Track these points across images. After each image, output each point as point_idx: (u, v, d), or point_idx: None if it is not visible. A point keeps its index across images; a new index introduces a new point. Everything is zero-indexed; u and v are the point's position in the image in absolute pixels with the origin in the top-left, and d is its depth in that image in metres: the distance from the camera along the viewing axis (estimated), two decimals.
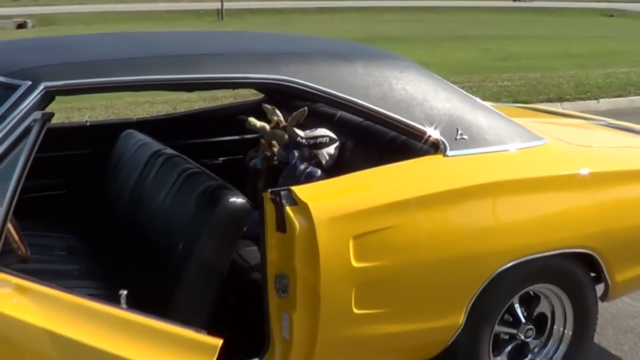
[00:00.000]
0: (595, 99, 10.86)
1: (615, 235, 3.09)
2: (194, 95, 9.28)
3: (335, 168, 3.28)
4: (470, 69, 13.55)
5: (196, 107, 7.34)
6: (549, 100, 10.51)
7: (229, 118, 4.13)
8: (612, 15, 69.17)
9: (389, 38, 19.66)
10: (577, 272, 3.12)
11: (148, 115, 6.72)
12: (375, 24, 25.80)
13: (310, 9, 32.57)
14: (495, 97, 10.26)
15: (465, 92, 3.22)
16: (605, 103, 10.82)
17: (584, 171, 3.06)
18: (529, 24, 28.73)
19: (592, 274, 3.19)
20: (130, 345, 1.92)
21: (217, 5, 29.58)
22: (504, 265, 2.81)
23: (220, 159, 4.14)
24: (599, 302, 3.30)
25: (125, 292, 2.20)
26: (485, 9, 34.64)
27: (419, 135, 2.84)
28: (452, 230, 2.75)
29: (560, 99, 10.68)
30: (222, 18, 29.20)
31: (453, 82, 10.95)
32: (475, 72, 13.09)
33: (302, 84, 2.68)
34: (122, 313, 2.05)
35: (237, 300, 2.91)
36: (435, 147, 2.83)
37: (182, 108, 8.48)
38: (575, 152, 3.25)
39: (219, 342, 1.98)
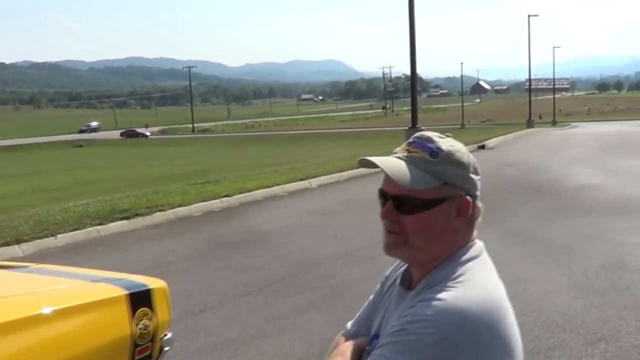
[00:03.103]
0: (53, 236, 10.88)
1: None
2: None
3: None
4: None
5: None
6: (7, 244, 10.24)
7: None
8: (81, 146, 71.92)
9: None
10: None
11: None
12: None
13: None
14: None
15: None
16: (63, 238, 10.92)
17: None
18: None
19: None
20: None
21: None
22: None
23: None
24: None
25: None
26: None
27: None
28: None
29: (18, 241, 10.44)
30: None
31: None
32: None
33: None
34: None
35: None
36: None
37: None
38: None
39: None
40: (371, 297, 1.98)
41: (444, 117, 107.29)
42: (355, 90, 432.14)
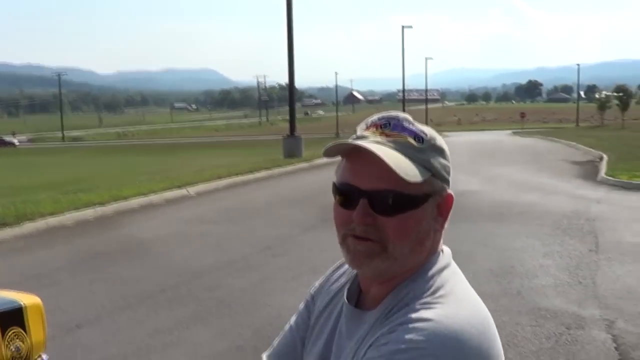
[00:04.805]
0: None
1: None
2: None
3: None
4: None
5: None
6: None
7: None
8: None
9: None
10: None
11: None
12: None
13: None
14: None
15: None
16: None
17: None
18: None
19: None
20: None
21: None
22: None
23: None
24: None
25: None
26: None
27: None
28: None
29: None
30: None
31: None
32: None
33: None
34: None
35: None
36: None
37: None
38: None
39: None
40: (292, 320, 1.60)
41: (318, 126, 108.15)
42: (230, 99, 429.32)
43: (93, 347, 5.80)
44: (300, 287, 7.27)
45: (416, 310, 1.22)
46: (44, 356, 3.65)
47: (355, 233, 1.27)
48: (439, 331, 1.16)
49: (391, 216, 1.25)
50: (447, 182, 1.33)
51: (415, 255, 1.30)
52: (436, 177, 1.29)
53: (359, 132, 1.34)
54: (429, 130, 1.31)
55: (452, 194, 1.34)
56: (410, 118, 1.33)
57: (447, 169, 1.32)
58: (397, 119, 1.32)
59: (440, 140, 1.33)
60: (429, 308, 1.21)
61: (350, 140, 1.29)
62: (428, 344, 1.15)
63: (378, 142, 1.27)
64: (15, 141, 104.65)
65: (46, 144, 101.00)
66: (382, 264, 1.28)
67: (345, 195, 1.29)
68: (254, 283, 7.77)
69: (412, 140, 1.27)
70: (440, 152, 1.31)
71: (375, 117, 1.35)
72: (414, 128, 1.30)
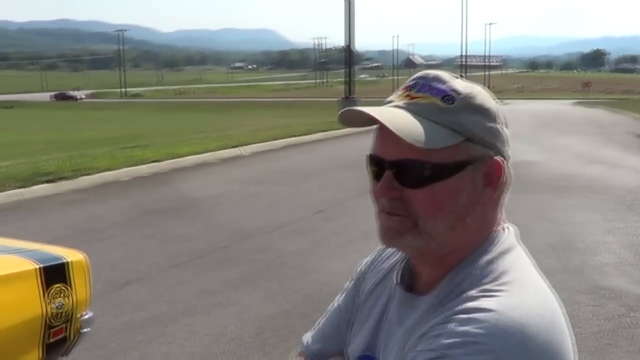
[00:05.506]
0: None
1: None
2: None
3: None
4: None
5: None
6: None
7: None
8: (11, 107, 70.43)
9: None
10: None
11: None
12: None
13: None
14: None
15: None
16: None
17: None
18: None
19: None
20: None
21: None
22: None
23: None
24: None
25: None
26: None
27: None
28: None
29: None
30: None
31: None
32: None
33: None
34: None
35: None
36: None
37: None
38: None
39: None
40: (339, 300, 1.45)
41: (377, 90, 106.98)
42: (288, 60, 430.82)
43: (140, 305, 5.77)
44: (351, 253, 7.14)
45: (475, 299, 1.06)
46: (88, 314, 3.58)
47: (385, 209, 1.13)
48: (501, 323, 1.00)
49: (418, 188, 1.10)
50: (491, 146, 1.13)
51: (457, 233, 1.13)
52: (474, 142, 1.11)
53: (389, 97, 1.19)
54: (466, 88, 1.13)
55: (500, 160, 1.14)
56: (443, 76, 1.15)
57: (492, 132, 1.14)
58: (425, 78, 1.15)
59: (481, 99, 1.14)
60: (490, 296, 1.05)
61: (356, 108, 1.12)
62: (488, 338, 0.99)
63: (397, 107, 1.13)
64: (82, 95, 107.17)
65: (107, 100, 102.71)
66: (415, 241, 1.12)
67: (376, 167, 1.16)
68: (305, 247, 7.66)
69: (437, 101, 1.11)
70: (479, 111, 1.13)
71: (410, 78, 1.19)
72: (443, 87, 1.13)
